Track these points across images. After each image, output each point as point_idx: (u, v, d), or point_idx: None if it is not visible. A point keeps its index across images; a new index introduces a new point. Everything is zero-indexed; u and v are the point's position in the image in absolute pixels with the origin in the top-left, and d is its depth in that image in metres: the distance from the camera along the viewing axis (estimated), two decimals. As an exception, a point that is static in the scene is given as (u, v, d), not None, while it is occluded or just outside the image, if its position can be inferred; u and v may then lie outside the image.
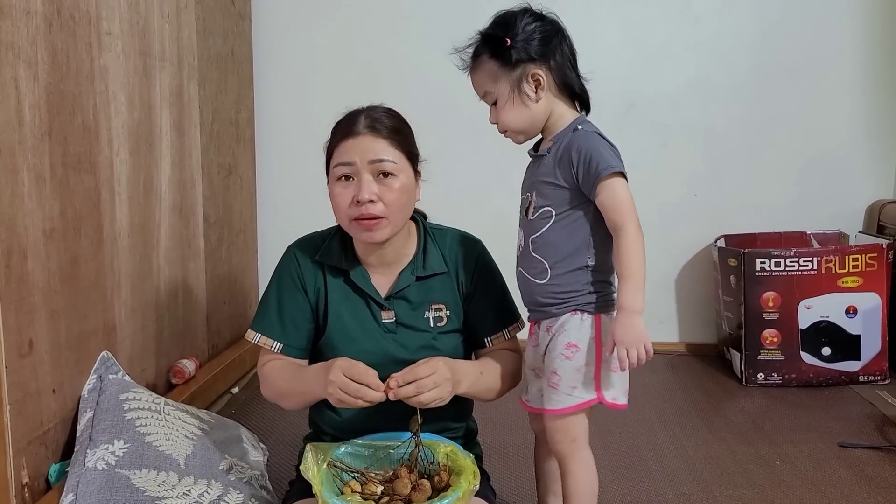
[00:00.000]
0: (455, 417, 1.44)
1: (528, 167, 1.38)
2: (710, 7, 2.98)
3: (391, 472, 1.27)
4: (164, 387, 2.16)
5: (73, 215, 1.67)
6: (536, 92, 1.28)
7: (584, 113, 1.34)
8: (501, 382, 1.38)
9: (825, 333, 2.61)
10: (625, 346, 1.21)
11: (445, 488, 1.21)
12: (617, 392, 1.29)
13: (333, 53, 3.07)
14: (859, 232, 2.94)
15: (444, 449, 1.28)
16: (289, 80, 3.08)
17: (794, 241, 2.89)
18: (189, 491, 1.48)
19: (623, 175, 1.24)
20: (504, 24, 1.28)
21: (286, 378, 1.37)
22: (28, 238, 1.50)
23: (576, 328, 1.28)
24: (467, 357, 1.44)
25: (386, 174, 1.28)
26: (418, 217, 1.44)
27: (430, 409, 1.30)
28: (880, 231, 2.86)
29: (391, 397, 1.20)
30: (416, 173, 1.36)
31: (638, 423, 2.30)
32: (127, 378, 1.76)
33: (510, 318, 1.44)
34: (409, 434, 1.29)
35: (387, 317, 1.37)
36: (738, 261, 2.65)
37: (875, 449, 2.07)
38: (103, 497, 1.39)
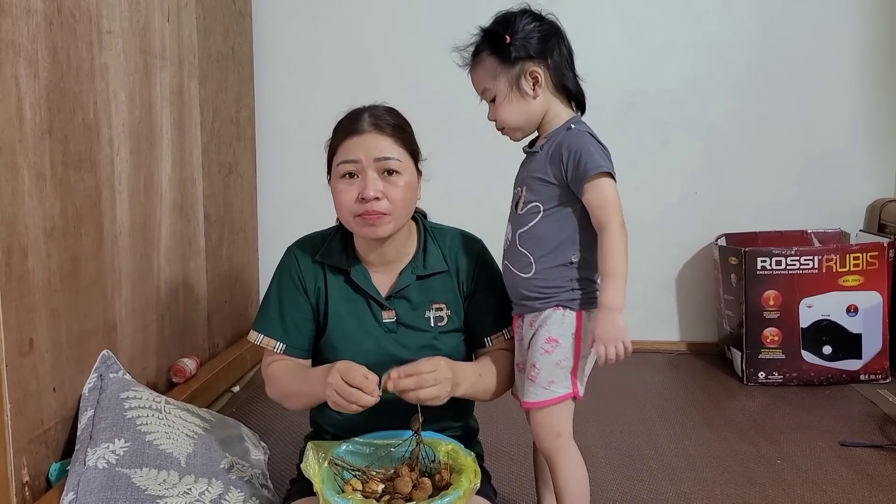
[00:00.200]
0: (456, 416, 1.44)
1: (521, 163, 1.41)
2: (710, 6, 2.98)
3: (392, 471, 1.27)
4: (165, 385, 2.16)
5: (74, 214, 1.67)
6: (534, 89, 1.31)
7: (579, 113, 1.37)
8: (498, 384, 1.39)
9: (826, 332, 2.61)
10: (604, 343, 1.22)
11: (446, 487, 1.21)
12: (583, 385, 1.34)
13: (334, 52, 3.06)
14: (860, 230, 2.94)
15: (445, 447, 1.28)
16: (289, 78, 3.08)
17: (794, 240, 2.89)
18: (190, 490, 1.48)
19: (611, 176, 1.27)
20: (504, 23, 1.32)
21: (290, 379, 1.37)
22: (28, 236, 1.49)
23: (557, 323, 1.30)
24: (468, 357, 1.44)
25: (391, 172, 1.29)
26: (418, 216, 1.44)
27: (431, 408, 1.30)
28: (881, 230, 2.85)
29: (390, 388, 1.19)
30: (419, 171, 1.36)
31: (639, 421, 2.30)
32: (127, 377, 1.76)
33: (510, 317, 1.44)
34: (410, 432, 1.29)
35: (387, 316, 1.37)
36: (738, 259, 2.65)
37: (876, 448, 2.07)
38: (104, 496, 1.39)
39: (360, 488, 1.23)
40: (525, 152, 1.39)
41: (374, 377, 1.20)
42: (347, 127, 1.30)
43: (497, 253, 1.46)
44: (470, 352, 1.45)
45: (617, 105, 3.00)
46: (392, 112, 1.34)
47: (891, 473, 1.91)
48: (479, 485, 1.19)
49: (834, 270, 2.59)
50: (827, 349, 2.61)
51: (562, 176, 1.28)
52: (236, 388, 2.56)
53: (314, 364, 1.45)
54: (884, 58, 2.94)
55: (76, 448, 1.53)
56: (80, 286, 1.69)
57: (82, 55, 1.70)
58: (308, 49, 3.07)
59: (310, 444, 1.27)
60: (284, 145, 3.09)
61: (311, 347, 1.41)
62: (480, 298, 1.41)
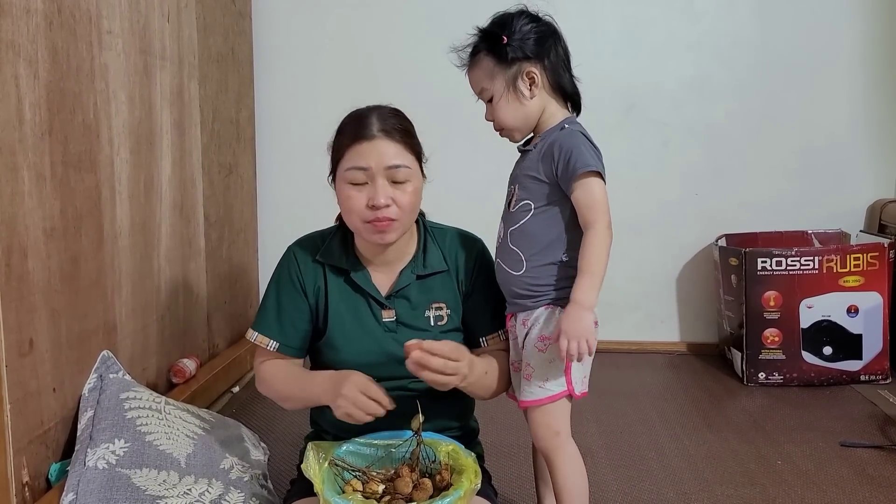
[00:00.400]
0: (456, 417, 1.44)
1: (516, 161, 1.42)
2: (710, 5, 2.98)
3: (392, 471, 1.27)
4: (165, 386, 2.15)
5: (74, 214, 1.66)
6: (531, 89, 1.32)
7: (574, 114, 1.39)
8: (497, 383, 1.39)
9: (826, 333, 2.61)
10: (568, 338, 1.22)
11: (447, 487, 1.21)
12: (581, 381, 1.33)
13: (334, 52, 3.06)
14: (860, 231, 2.94)
15: (446, 448, 1.28)
16: (289, 79, 3.08)
17: (795, 241, 2.89)
18: (190, 490, 1.48)
19: (601, 176, 1.28)
20: (501, 24, 1.33)
21: (287, 382, 1.38)
22: (28, 237, 1.49)
23: (549, 321, 1.31)
24: None
25: (400, 179, 1.29)
26: (418, 216, 1.44)
27: (432, 409, 1.31)
28: (881, 230, 2.85)
29: (415, 356, 1.18)
30: (423, 174, 1.36)
31: (639, 422, 2.30)
32: (127, 377, 1.75)
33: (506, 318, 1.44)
34: (410, 433, 1.29)
35: (387, 316, 1.37)
36: (739, 260, 2.65)
37: (877, 448, 2.07)
38: (104, 496, 1.39)
39: (361, 489, 1.23)
40: (519, 151, 1.40)
41: (389, 399, 1.24)
42: (355, 131, 1.29)
43: (495, 250, 1.46)
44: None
45: (618, 106, 3.00)
46: (398, 114, 1.34)
47: (891, 474, 1.91)
48: (479, 485, 1.19)
49: (834, 271, 2.59)
50: (827, 350, 2.61)
51: (552, 174, 1.29)
52: (236, 389, 2.55)
53: (313, 362, 1.46)
54: (884, 58, 2.94)
55: (76, 448, 1.53)
56: (80, 286, 1.69)
57: (82, 55, 1.70)
58: (308, 49, 3.07)
59: (310, 445, 1.27)
60: (284, 146, 3.09)
61: (305, 347, 1.42)
62: (478, 298, 1.41)
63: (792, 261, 2.59)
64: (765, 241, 2.90)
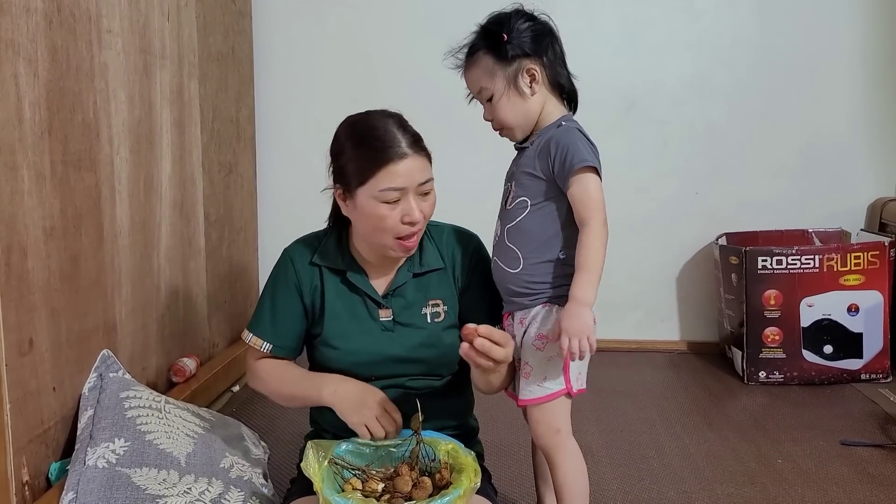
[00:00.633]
0: (455, 415, 1.44)
1: (513, 159, 1.42)
2: (710, 4, 2.97)
3: (392, 470, 1.27)
4: (165, 385, 2.15)
5: (74, 213, 1.66)
6: (531, 86, 1.32)
7: (571, 111, 1.39)
8: (506, 378, 1.38)
9: (827, 331, 2.61)
10: (569, 336, 1.22)
11: (446, 486, 1.21)
12: (576, 378, 1.33)
13: (334, 51, 3.06)
14: (861, 230, 2.94)
15: (446, 447, 1.27)
16: (289, 78, 3.08)
17: (795, 239, 2.88)
18: (190, 489, 1.48)
19: (597, 172, 1.28)
20: (499, 22, 1.33)
21: (284, 382, 1.40)
22: (28, 236, 1.49)
23: (547, 320, 1.31)
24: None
25: (427, 191, 1.30)
26: None
27: (431, 407, 1.31)
28: (882, 229, 2.85)
29: (477, 343, 1.17)
30: None
31: (640, 421, 2.30)
32: (127, 376, 1.75)
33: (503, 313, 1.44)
34: (410, 432, 1.29)
35: (384, 315, 1.38)
36: (739, 259, 2.65)
37: (877, 447, 2.07)
38: (104, 495, 1.39)
39: (361, 487, 1.23)
40: (516, 148, 1.40)
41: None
42: (385, 149, 1.25)
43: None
44: None
45: (618, 105, 2.99)
46: (408, 123, 1.32)
47: (892, 473, 1.91)
48: (479, 484, 1.19)
49: (835, 270, 2.58)
50: (828, 348, 2.61)
51: (549, 170, 1.29)
52: (236, 388, 2.55)
53: (311, 361, 1.46)
54: (884, 56, 2.94)
55: (76, 447, 1.53)
56: (80, 286, 1.69)
57: (82, 54, 1.70)
58: (308, 48, 3.07)
59: (310, 444, 1.27)
60: (284, 145, 3.09)
61: (299, 348, 1.44)
62: (474, 294, 1.42)
63: (792, 259, 2.59)
64: (765, 239, 2.90)
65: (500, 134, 1.39)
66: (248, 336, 1.44)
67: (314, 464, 1.22)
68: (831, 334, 2.60)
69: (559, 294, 1.30)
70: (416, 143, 1.29)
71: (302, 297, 1.39)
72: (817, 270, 2.59)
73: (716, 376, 2.75)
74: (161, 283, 2.14)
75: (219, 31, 2.60)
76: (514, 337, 1.36)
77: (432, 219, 1.46)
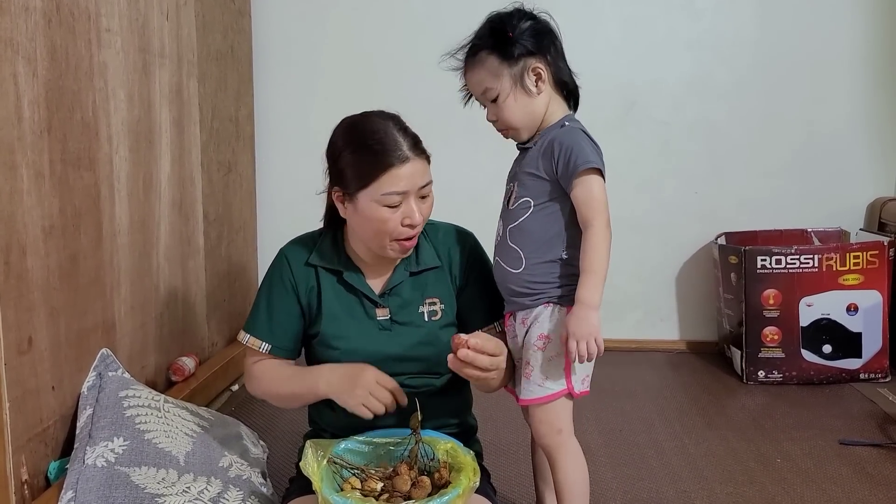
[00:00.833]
0: (454, 413, 1.44)
1: (515, 159, 1.41)
2: (710, 3, 2.97)
3: (391, 469, 1.27)
4: (164, 384, 2.15)
5: (73, 212, 1.66)
6: (537, 85, 1.31)
7: (573, 110, 1.38)
8: (501, 380, 1.38)
9: (826, 331, 2.61)
10: (576, 339, 1.22)
11: (445, 485, 1.21)
12: (581, 381, 1.32)
13: (333, 51, 3.06)
14: (860, 229, 2.94)
15: (445, 446, 1.28)
16: (288, 77, 3.08)
17: (794, 239, 2.88)
18: (189, 488, 1.48)
19: (601, 173, 1.27)
20: (502, 21, 1.32)
21: (281, 381, 1.39)
22: (27, 235, 1.49)
23: (548, 320, 1.31)
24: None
25: (426, 193, 1.31)
26: None
27: (430, 406, 1.31)
28: (881, 229, 2.85)
29: (461, 355, 1.18)
30: None
31: (639, 420, 2.30)
32: (126, 375, 1.75)
33: (502, 310, 1.44)
34: (409, 431, 1.29)
35: (381, 314, 1.38)
36: (738, 258, 2.65)
37: (876, 446, 2.07)
38: (103, 494, 1.39)
39: (359, 486, 1.23)
40: (518, 148, 1.40)
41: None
42: (387, 153, 1.25)
43: (491, 250, 1.46)
44: None
45: (618, 104, 2.99)
46: (406, 124, 1.32)
47: (890, 472, 1.91)
48: (478, 483, 1.19)
49: (834, 269, 2.58)
50: (827, 348, 2.61)
51: (552, 171, 1.29)
52: (235, 387, 2.55)
53: (308, 362, 1.46)
54: (884, 56, 2.94)
55: (75, 446, 1.53)
56: (79, 284, 1.69)
57: (81, 53, 1.70)
58: (307, 48, 3.06)
59: (309, 443, 1.27)
60: (284, 144, 3.09)
61: (296, 348, 1.43)
62: (472, 291, 1.42)
63: (791, 259, 2.59)
64: (764, 239, 2.90)
65: (504, 135, 1.38)
66: (245, 337, 1.42)
67: (313, 463, 1.22)
68: (830, 334, 2.60)
69: (561, 294, 1.30)
70: (417, 145, 1.28)
71: (298, 298, 1.39)
72: (816, 270, 2.59)
73: (715, 376, 2.75)
74: (160, 282, 2.14)
75: (218, 30, 2.60)
76: (515, 336, 1.37)
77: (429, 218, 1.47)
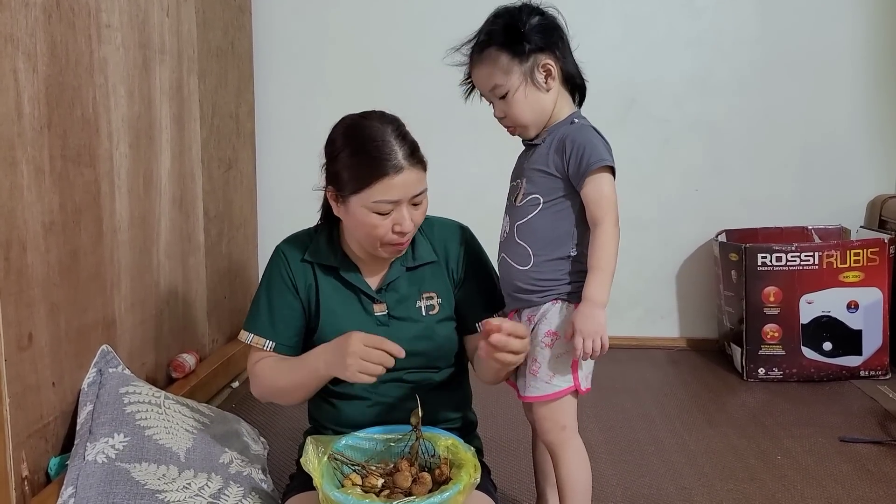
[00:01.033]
0: (455, 407, 1.44)
1: (520, 155, 1.40)
2: (711, 1, 2.97)
3: (392, 465, 1.27)
4: (164, 381, 2.15)
5: (73, 208, 1.66)
6: (546, 81, 1.30)
7: (578, 106, 1.37)
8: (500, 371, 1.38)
9: (826, 328, 2.61)
10: (583, 336, 1.23)
11: (446, 481, 1.21)
12: (585, 378, 1.33)
13: (334, 47, 3.06)
14: (861, 227, 2.94)
15: (445, 442, 1.27)
16: (289, 74, 3.07)
17: (795, 236, 2.88)
18: (189, 484, 1.48)
19: (612, 171, 1.27)
20: (511, 17, 1.30)
21: (281, 374, 1.37)
22: (27, 231, 1.49)
23: (556, 316, 1.30)
24: (460, 345, 1.44)
25: (420, 201, 1.30)
26: None
27: (431, 400, 1.31)
28: (882, 226, 2.85)
29: (494, 340, 1.17)
30: None
31: (639, 417, 2.30)
32: (127, 372, 1.75)
33: (500, 301, 1.44)
34: (409, 427, 1.29)
35: (379, 309, 1.38)
36: (739, 255, 2.65)
37: (876, 444, 2.07)
38: (103, 490, 1.39)
39: (360, 483, 1.23)
40: (525, 144, 1.39)
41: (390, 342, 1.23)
42: (382, 162, 1.24)
43: (495, 246, 1.45)
44: (460, 338, 1.44)
45: (618, 102, 2.99)
46: (406, 129, 1.31)
47: (890, 469, 1.91)
48: (479, 479, 1.19)
49: (834, 266, 2.58)
50: (827, 345, 2.61)
51: (563, 168, 1.28)
52: (236, 384, 2.56)
53: None
54: (885, 54, 2.93)
55: (75, 443, 1.53)
56: (80, 281, 1.69)
57: (81, 49, 1.69)
58: (308, 44, 3.06)
59: (309, 439, 1.27)
60: (284, 141, 3.08)
61: (299, 345, 1.41)
62: (470, 285, 1.42)
63: (792, 256, 2.59)
64: (765, 236, 2.90)
65: (510, 132, 1.37)
66: (248, 337, 1.41)
67: (314, 459, 1.22)
68: (831, 331, 2.61)
69: (568, 290, 1.30)
70: (413, 154, 1.27)
71: (298, 294, 1.39)
72: (817, 267, 2.59)
73: (715, 373, 2.75)
74: (160, 279, 2.14)
75: (218, 27, 2.59)
76: None
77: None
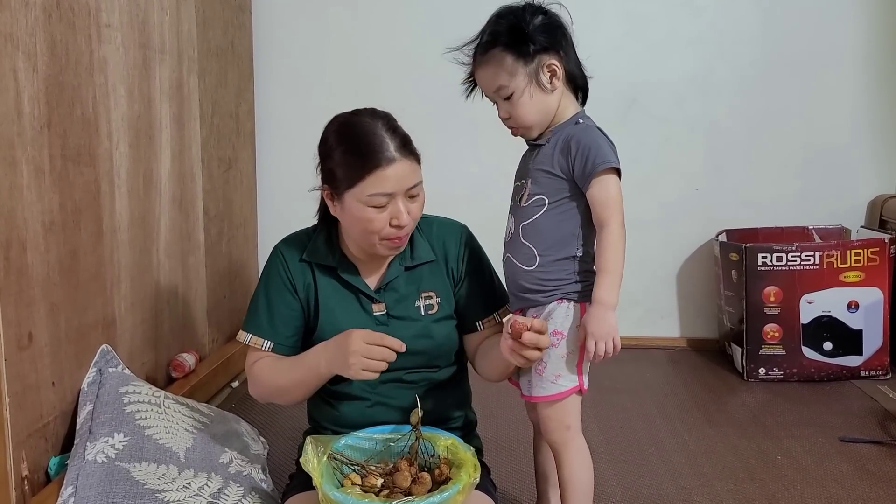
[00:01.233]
0: (455, 407, 1.44)
1: (523, 155, 1.40)
2: (712, 0, 2.96)
3: (391, 465, 1.27)
4: (164, 380, 2.16)
5: (73, 208, 1.66)
6: (552, 82, 1.29)
7: (581, 105, 1.37)
8: (507, 368, 1.38)
9: (827, 328, 2.60)
10: (595, 339, 1.23)
11: (446, 481, 1.21)
12: (587, 377, 1.33)
13: (334, 46, 3.05)
14: (861, 227, 2.93)
15: (445, 442, 1.28)
16: (289, 73, 3.07)
17: (795, 236, 2.88)
18: (189, 484, 1.48)
19: (618, 172, 1.27)
20: (515, 17, 1.29)
21: (280, 373, 1.36)
22: (27, 230, 1.49)
23: (562, 316, 1.30)
24: (460, 343, 1.44)
25: (416, 194, 1.29)
26: None
27: (432, 399, 1.31)
28: (882, 226, 2.85)
29: (526, 338, 1.18)
30: None
31: (639, 417, 2.30)
32: (127, 371, 1.76)
33: (499, 300, 1.44)
34: (409, 427, 1.29)
35: (378, 309, 1.37)
36: (739, 255, 2.64)
37: (876, 444, 2.07)
38: (103, 490, 1.39)
39: (360, 483, 1.23)
40: (528, 144, 1.38)
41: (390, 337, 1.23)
42: (372, 155, 1.24)
43: (497, 245, 1.45)
44: (460, 337, 1.44)
45: (618, 102, 2.99)
46: (398, 123, 1.31)
47: (891, 469, 1.91)
48: (478, 479, 1.19)
49: (835, 266, 2.58)
50: (827, 345, 2.61)
51: (569, 169, 1.27)
52: (235, 384, 2.56)
53: None
54: (887, 54, 2.93)
55: (75, 442, 1.53)
56: (80, 280, 1.69)
57: (81, 49, 1.69)
58: (308, 43, 3.06)
59: (309, 439, 1.27)
60: (284, 140, 3.08)
61: (298, 345, 1.41)
62: (470, 283, 1.42)
63: (792, 256, 2.59)
64: (765, 236, 2.89)
65: (513, 132, 1.36)
66: (246, 337, 1.40)
67: (313, 459, 1.22)
68: (831, 331, 2.60)
69: (574, 290, 1.30)
70: (405, 146, 1.27)
71: (297, 293, 1.39)
72: (817, 267, 2.58)
73: (715, 373, 2.75)
74: (160, 279, 2.14)
75: (218, 26, 2.59)
76: None
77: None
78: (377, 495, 1.20)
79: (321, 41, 3.06)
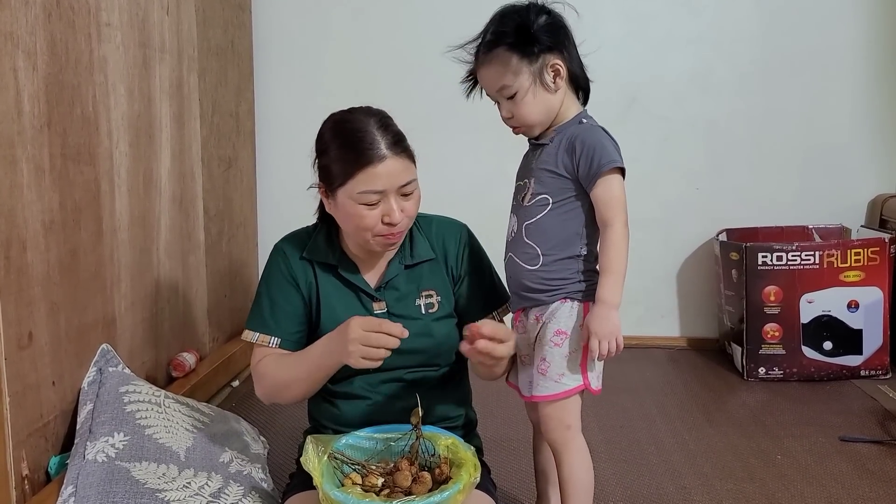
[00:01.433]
0: (458, 404, 1.44)
1: (525, 154, 1.40)
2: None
3: (392, 465, 1.27)
4: (164, 380, 2.16)
5: (73, 207, 1.66)
6: (555, 82, 1.30)
7: (583, 105, 1.37)
8: (504, 367, 1.37)
9: (827, 328, 2.60)
10: (598, 338, 1.24)
11: (446, 481, 1.21)
12: (597, 378, 1.33)
13: (334, 45, 3.05)
14: (861, 226, 2.93)
15: (445, 441, 1.27)
16: (289, 72, 3.07)
17: (795, 236, 2.88)
18: (189, 483, 1.48)
19: (622, 171, 1.27)
20: (519, 16, 1.29)
21: (285, 369, 1.36)
22: (27, 229, 1.49)
23: (565, 316, 1.30)
24: (459, 343, 1.43)
25: (409, 192, 1.29)
26: None
27: (432, 398, 1.31)
28: (882, 225, 2.85)
29: (481, 346, 1.20)
30: None
31: (639, 417, 2.30)
32: (127, 371, 1.76)
33: (499, 299, 1.44)
34: (409, 426, 1.29)
35: (378, 308, 1.38)
36: (739, 255, 2.64)
37: (876, 443, 2.07)
38: (103, 489, 1.39)
39: (360, 482, 1.23)
40: (531, 143, 1.38)
41: (390, 322, 1.23)
42: (363, 152, 1.24)
43: (496, 244, 1.45)
44: (459, 336, 1.44)
45: (618, 101, 2.99)
46: (389, 119, 1.30)
47: (891, 469, 1.91)
48: (478, 479, 1.19)
49: (835, 266, 2.58)
50: (827, 345, 2.61)
51: (573, 169, 1.27)
52: (236, 383, 2.55)
53: None
54: (887, 53, 2.93)
55: (76, 442, 1.53)
56: (80, 279, 1.69)
57: (81, 48, 1.69)
58: (308, 42, 3.06)
59: (309, 438, 1.27)
60: (284, 139, 3.08)
61: (303, 340, 1.40)
62: (469, 282, 1.42)
63: (792, 255, 2.59)
64: (765, 236, 2.89)
65: (515, 132, 1.36)
66: (253, 336, 1.39)
67: (314, 458, 1.22)
68: (831, 331, 2.60)
69: (578, 290, 1.30)
70: (397, 143, 1.26)
71: (299, 288, 1.39)
72: (817, 267, 2.58)
73: (715, 372, 2.75)
74: (160, 278, 2.14)
75: (218, 25, 2.59)
76: (526, 333, 1.36)
77: (419, 210, 1.46)
78: (378, 495, 1.20)
79: (321, 41, 3.06)
